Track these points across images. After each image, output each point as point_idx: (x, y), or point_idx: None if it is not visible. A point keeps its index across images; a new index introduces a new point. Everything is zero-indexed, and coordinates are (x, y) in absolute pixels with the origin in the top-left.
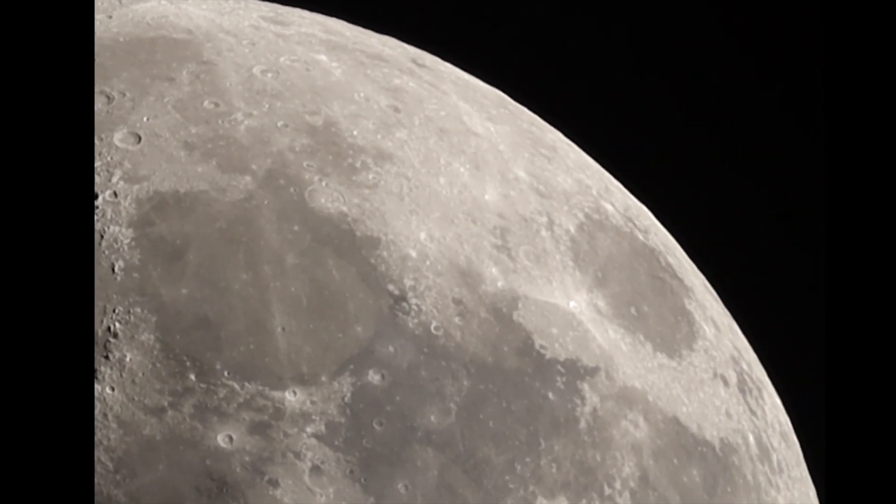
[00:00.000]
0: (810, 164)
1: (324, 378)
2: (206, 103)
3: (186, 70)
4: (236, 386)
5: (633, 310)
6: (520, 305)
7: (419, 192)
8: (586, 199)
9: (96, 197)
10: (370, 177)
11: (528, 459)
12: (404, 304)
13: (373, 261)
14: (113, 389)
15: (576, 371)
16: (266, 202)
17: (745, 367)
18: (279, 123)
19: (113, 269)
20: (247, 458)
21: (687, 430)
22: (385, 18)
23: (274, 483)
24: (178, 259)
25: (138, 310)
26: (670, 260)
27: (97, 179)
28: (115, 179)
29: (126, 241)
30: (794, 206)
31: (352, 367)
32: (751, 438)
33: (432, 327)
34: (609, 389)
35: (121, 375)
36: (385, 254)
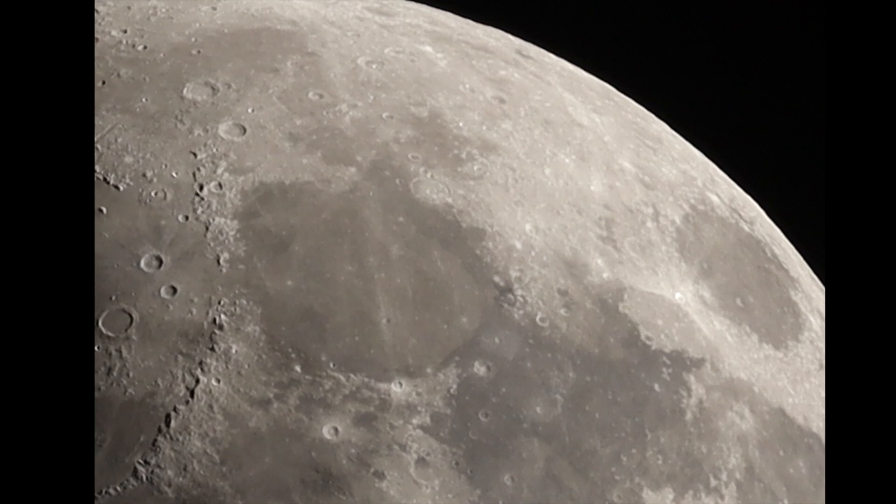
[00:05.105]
0: None
1: (429, 370)
2: (310, 94)
3: (291, 61)
4: (342, 378)
5: (738, 301)
6: (625, 297)
7: (524, 183)
8: (692, 190)
9: (201, 188)
10: (475, 168)
11: (633, 451)
12: (510, 295)
13: (478, 252)
14: (219, 381)
15: (681, 362)
16: (371, 193)
17: None
18: (384, 115)
19: (218, 261)
20: (352, 451)
21: (793, 422)
22: (490, 9)
23: (380, 475)
24: (284, 250)
25: (244, 301)
26: (776, 251)
27: (202, 171)
28: (220, 171)
29: (231, 233)
30: None
31: (457, 358)
32: None
33: (538, 318)
34: (715, 381)
35: (226, 367)
36: (490, 245)
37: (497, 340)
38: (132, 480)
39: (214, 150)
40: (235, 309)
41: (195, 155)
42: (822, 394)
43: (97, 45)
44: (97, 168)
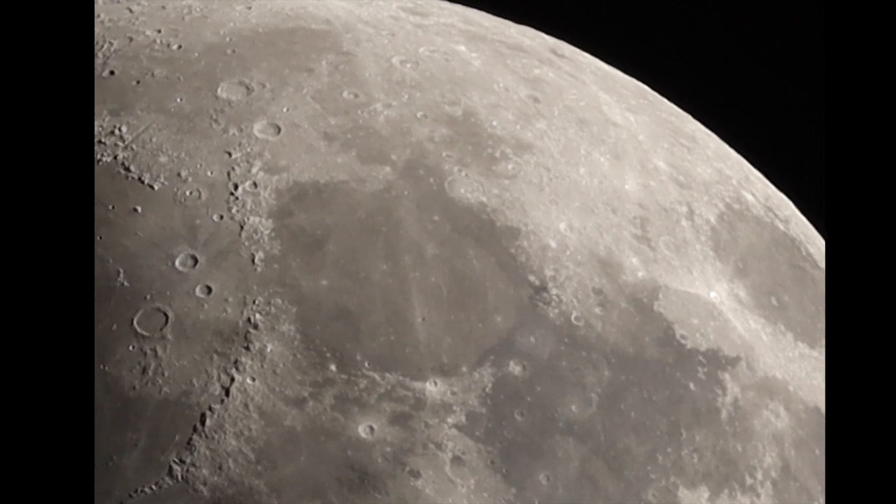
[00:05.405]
0: None
1: (464, 368)
2: (345, 94)
3: (325, 61)
4: (377, 377)
5: (773, 300)
6: (660, 296)
7: (559, 182)
8: (726, 189)
9: (236, 187)
10: (510, 167)
11: (669, 450)
12: (545, 294)
13: (513, 251)
14: (254, 380)
15: (717, 361)
16: (406, 192)
17: None
18: (419, 114)
19: (253, 260)
20: (388, 449)
21: None
22: (524, 9)
23: (415, 474)
24: (318, 250)
25: (279, 301)
26: (811, 249)
27: (237, 170)
28: (254, 170)
29: (266, 232)
30: None
31: (492, 357)
32: None
33: (573, 317)
34: (750, 379)
35: (262, 366)
36: (525, 244)
37: (532, 339)
38: (167, 479)
39: (249, 149)
40: (270, 308)
41: (230, 154)
42: None
43: (131, 45)
44: (132, 168)
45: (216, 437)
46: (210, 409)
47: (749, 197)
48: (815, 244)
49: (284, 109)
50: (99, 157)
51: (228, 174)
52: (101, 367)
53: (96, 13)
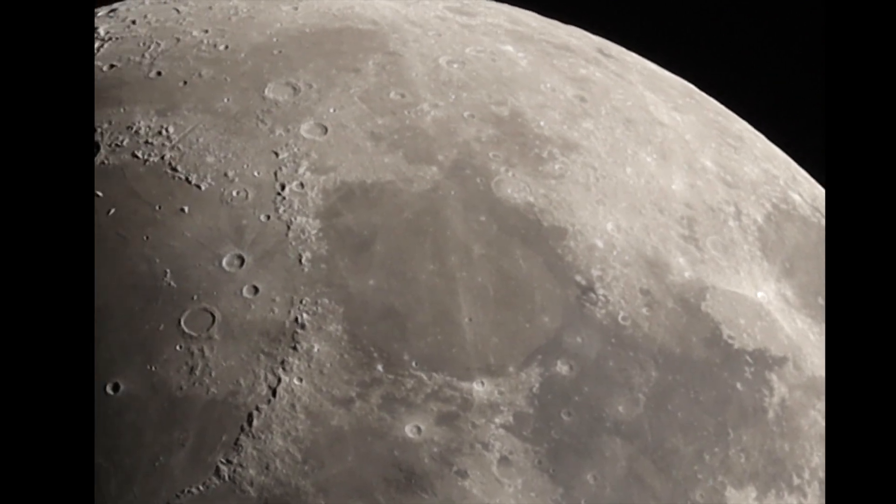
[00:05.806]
0: None
1: (511, 369)
2: (392, 94)
3: (372, 61)
4: (424, 377)
5: (820, 300)
6: (707, 296)
7: (606, 182)
8: (773, 189)
9: (283, 187)
10: (556, 167)
11: (716, 450)
12: (591, 294)
13: (560, 251)
14: (301, 380)
15: (764, 361)
16: (452, 192)
17: None
18: (465, 114)
19: (300, 260)
20: (435, 449)
21: None
22: (571, 8)
23: (462, 474)
24: (365, 250)
25: (326, 301)
26: None
27: (284, 170)
28: (301, 170)
29: (313, 232)
30: None
31: (539, 357)
32: None
33: (620, 318)
34: (797, 379)
35: (308, 366)
36: (572, 244)
37: (579, 339)
38: (214, 479)
39: (296, 149)
40: (317, 308)
41: (277, 154)
42: None
43: (179, 45)
44: (179, 168)
45: (263, 437)
46: (257, 409)
47: (796, 197)
48: None
49: (331, 110)
50: (146, 157)
51: (275, 174)
52: (149, 367)
53: (144, 14)
